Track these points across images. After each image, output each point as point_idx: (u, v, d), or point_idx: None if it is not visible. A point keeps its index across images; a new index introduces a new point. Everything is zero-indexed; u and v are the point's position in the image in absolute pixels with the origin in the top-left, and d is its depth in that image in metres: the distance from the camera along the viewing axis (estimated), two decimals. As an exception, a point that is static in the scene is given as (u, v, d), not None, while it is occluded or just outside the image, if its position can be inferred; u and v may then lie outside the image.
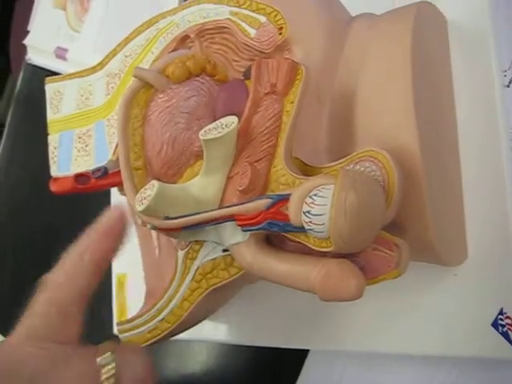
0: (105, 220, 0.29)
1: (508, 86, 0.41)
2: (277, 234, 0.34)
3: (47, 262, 0.70)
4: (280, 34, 0.39)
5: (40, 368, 0.25)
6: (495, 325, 0.39)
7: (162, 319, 0.40)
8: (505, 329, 0.38)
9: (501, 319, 0.38)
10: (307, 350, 0.48)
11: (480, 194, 0.40)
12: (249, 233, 0.35)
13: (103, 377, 0.26)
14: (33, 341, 0.26)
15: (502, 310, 0.38)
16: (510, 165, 0.40)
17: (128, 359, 0.27)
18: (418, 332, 0.42)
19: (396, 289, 0.41)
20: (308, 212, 0.32)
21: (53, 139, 0.49)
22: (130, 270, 0.57)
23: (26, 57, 0.75)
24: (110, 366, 0.27)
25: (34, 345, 0.26)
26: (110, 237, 0.29)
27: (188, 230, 0.36)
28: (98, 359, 0.27)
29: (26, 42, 0.74)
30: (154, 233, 0.48)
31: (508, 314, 0.38)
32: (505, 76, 0.41)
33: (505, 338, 0.38)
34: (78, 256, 0.28)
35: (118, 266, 0.59)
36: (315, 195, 0.32)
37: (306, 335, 0.45)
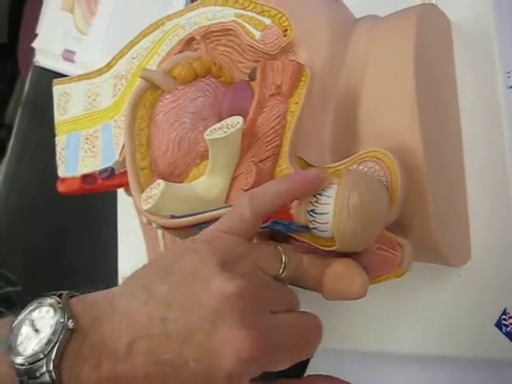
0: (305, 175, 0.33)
1: (511, 87, 0.42)
2: (281, 232, 0.34)
3: (56, 261, 0.70)
4: (285, 36, 0.39)
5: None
6: (499, 325, 0.39)
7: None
8: (508, 329, 0.38)
9: (504, 319, 0.38)
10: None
11: (484, 195, 0.40)
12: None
13: (283, 259, 0.32)
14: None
15: (505, 310, 0.38)
16: (513, 165, 0.40)
17: (292, 260, 0.33)
18: (421, 332, 0.42)
19: (399, 288, 0.41)
20: (312, 211, 0.32)
21: (60, 140, 0.50)
22: (136, 271, 0.57)
23: (34, 59, 0.75)
24: (285, 258, 0.32)
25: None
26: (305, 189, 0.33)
27: (193, 229, 0.37)
28: (280, 249, 0.33)
29: (34, 44, 0.75)
30: (159, 233, 0.49)
31: (511, 314, 0.38)
32: (508, 77, 0.42)
33: (508, 338, 0.38)
34: (283, 187, 0.32)
35: (124, 268, 0.59)
36: (319, 194, 0.32)
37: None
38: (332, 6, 0.42)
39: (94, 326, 0.29)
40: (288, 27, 0.39)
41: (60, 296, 0.30)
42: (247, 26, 0.41)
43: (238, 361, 0.27)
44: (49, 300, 0.30)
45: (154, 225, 0.39)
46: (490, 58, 0.41)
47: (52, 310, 0.29)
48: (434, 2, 0.43)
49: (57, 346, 0.28)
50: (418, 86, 0.36)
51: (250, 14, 0.41)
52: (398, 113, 0.36)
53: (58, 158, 0.49)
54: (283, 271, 0.32)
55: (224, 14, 0.43)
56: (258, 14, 0.41)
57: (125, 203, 0.57)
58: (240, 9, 0.42)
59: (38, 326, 0.29)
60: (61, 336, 0.28)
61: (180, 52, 0.44)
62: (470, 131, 0.41)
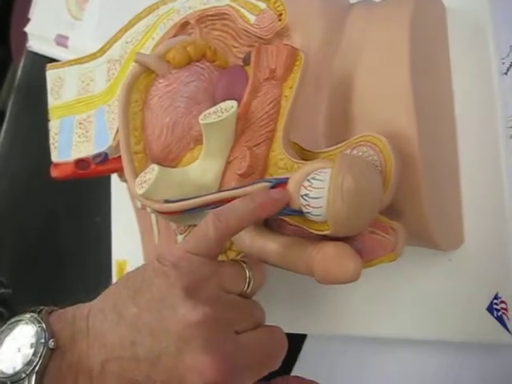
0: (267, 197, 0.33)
1: (506, 74, 0.42)
2: (275, 217, 0.34)
3: (48, 247, 0.70)
4: (279, 20, 0.39)
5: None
6: (490, 309, 0.39)
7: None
8: (499, 313, 0.39)
9: (496, 304, 0.39)
10: (305, 335, 0.48)
11: (477, 180, 0.40)
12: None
13: (247, 275, 0.34)
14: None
15: (497, 294, 0.39)
16: (507, 152, 0.40)
17: (256, 275, 0.34)
18: (413, 317, 0.42)
19: (391, 273, 0.41)
20: (306, 195, 0.32)
21: (54, 125, 0.50)
22: (129, 256, 0.57)
23: (27, 44, 0.75)
24: (249, 273, 0.34)
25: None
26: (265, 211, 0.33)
27: (187, 214, 0.37)
28: (245, 267, 0.34)
29: (26, 29, 0.74)
30: (153, 218, 0.49)
31: (503, 299, 0.39)
32: (503, 63, 0.42)
33: (499, 322, 0.39)
34: (250, 206, 0.33)
35: (118, 252, 0.59)
36: (313, 179, 0.32)
37: (304, 320, 0.46)
38: (327, -10, 0.42)
39: (70, 344, 0.30)
40: (283, 12, 0.39)
41: (39, 312, 0.31)
42: (242, 10, 0.41)
43: None
44: (28, 317, 0.31)
45: (148, 209, 0.39)
46: (484, 44, 0.41)
47: (32, 329, 0.30)
48: (429, -13, 0.43)
49: (38, 365, 0.29)
50: (413, 72, 0.36)
51: (244, -2, 0.41)
52: (393, 99, 0.36)
53: (51, 142, 0.49)
54: (248, 287, 0.34)
55: (219, -2, 0.43)
56: (252, -2, 0.41)
57: (118, 188, 0.57)
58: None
59: (18, 344, 0.30)
60: (42, 355, 0.29)
61: (174, 36, 0.44)
62: (464, 117, 0.41)
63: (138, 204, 0.45)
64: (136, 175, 0.38)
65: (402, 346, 0.44)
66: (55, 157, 0.49)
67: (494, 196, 0.40)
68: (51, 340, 0.30)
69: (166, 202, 0.37)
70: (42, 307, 0.32)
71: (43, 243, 0.71)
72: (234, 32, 0.42)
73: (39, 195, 0.71)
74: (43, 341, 0.30)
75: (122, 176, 0.47)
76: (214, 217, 0.32)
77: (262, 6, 0.41)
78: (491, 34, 0.41)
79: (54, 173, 0.48)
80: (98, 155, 0.46)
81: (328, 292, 0.44)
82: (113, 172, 0.48)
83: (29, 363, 0.29)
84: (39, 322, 0.30)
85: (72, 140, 0.48)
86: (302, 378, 0.35)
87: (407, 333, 0.42)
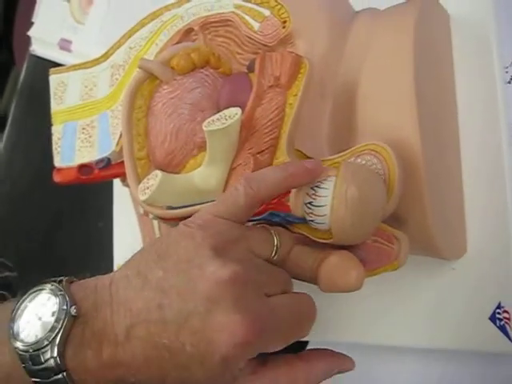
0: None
1: (509, 83, 0.42)
2: (278, 224, 0.34)
3: (50, 252, 0.70)
4: (284, 27, 0.39)
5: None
6: (493, 318, 0.39)
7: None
8: (502, 322, 0.39)
9: (498, 313, 0.39)
10: (306, 342, 0.48)
11: (480, 189, 0.40)
12: (251, 223, 0.35)
13: (275, 242, 0.33)
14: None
15: (499, 303, 0.39)
16: (510, 161, 0.40)
17: (284, 242, 0.33)
18: (416, 325, 0.42)
19: (394, 282, 0.41)
20: (309, 203, 0.32)
21: (56, 130, 0.50)
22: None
23: (30, 48, 0.75)
24: (277, 240, 0.33)
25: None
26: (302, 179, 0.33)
27: (190, 220, 0.37)
28: (272, 231, 0.33)
29: (30, 33, 0.74)
30: (155, 224, 0.49)
31: (506, 308, 0.39)
32: (506, 72, 0.42)
33: (502, 331, 0.39)
34: (282, 175, 0.32)
35: (120, 258, 0.59)
36: (317, 187, 0.32)
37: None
38: (331, -2, 0.42)
39: (93, 312, 0.29)
40: (287, 19, 0.39)
41: (60, 282, 0.30)
42: (246, 17, 0.41)
43: (233, 345, 0.28)
44: (49, 286, 0.30)
45: (150, 216, 0.39)
46: (488, 52, 0.41)
47: (53, 297, 0.29)
48: (433, -5, 0.43)
49: (60, 332, 0.28)
50: (417, 80, 0.36)
51: (249, 5, 0.41)
52: (397, 107, 0.36)
53: (54, 147, 0.49)
54: (275, 254, 0.33)
55: (223, 5, 0.43)
56: (257, 5, 0.41)
57: (121, 193, 0.57)
58: (239, 0, 0.42)
59: (39, 313, 0.29)
60: (64, 323, 0.28)
61: (178, 42, 0.44)
62: (467, 126, 0.42)
63: (141, 210, 0.45)
64: (139, 181, 0.38)
65: (404, 355, 0.44)
66: (58, 162, 0.48)
67: (498, 205, 0.40)
68: (73, 307, 0.29)
69: (169, 208, 0.37)
70: (61, 277, 0.31)
71: (45, 248, 0.71)
72: (237, 39, 0.42)
73: (41, 200, 0.71)
74: (65, 308, 0.29)
75: (124, 181, 0.47)
76: (245, 182, 0.31)
77: (266, 12, 0.41)
78: (495, 43, 0.42)
79: (57, 178, 0.48)
80: (101, 160, 0.46)
81: (330, 300, 0.44)
82: (116, 177, 0.48)
83: (51, 330, 0.28)
84: (60, 291, 0.30)
85: (75, 145, 0.48)
86: (333, 351, 0.34)
87: (410, 341, 0.42)
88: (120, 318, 0.29)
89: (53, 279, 0.31)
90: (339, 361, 0.34)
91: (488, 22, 0.42)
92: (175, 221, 0.37)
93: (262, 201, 0.32)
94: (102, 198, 0.61)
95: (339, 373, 0.33)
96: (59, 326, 0.28)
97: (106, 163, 0.46)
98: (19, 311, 0.30)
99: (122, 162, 0.41)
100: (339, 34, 0.40)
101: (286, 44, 0.40)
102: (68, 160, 0.48)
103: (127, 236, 0.56)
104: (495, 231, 0.40)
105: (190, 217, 0.36)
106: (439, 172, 0.38)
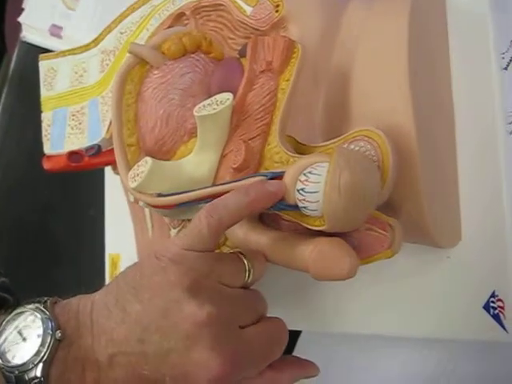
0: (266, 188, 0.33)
1: (506, 69, 0.41)
2: (270, 211, 0.34)
3: (41, 240, 0.70)
4: (276, 11, 0.39)
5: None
6: (487, 307, 0.39)
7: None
8: (496, 311, 0.38)
9: (492, 302, 0.38)
10: (299, 331, 0.48)
11: (476, 177, 0.40)
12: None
13: (246, 266, 0.34)
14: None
15: (493, 292, 0.38)
16: (506, 148, 0.40)
17: (256, 265, 0.34)
18: (410, 314, 0.42)
19: (388, 270, 0.41)
20: (302, 190, 0.32)
21: (46, 117, 0.49)
22: (123, 250, 0.57)
23: (21, 35, 0.74)
24: (248, 264, 0.34)
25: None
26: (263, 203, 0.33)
27: (181, 208, 0.36)
28: (243, 259, 0.34)
29: (20, 19, 0.73)
30: (147, 212, 0.48)
31: (500, 297, 0.38)
32: (503, 58, 0.41)
33: (496, 320, 0.38)
34: (244, 200, 0.32)
35: (111, 246, 0.59)
36: (309, 173, 0.32)
37: (298, 316, 0.45)
38: (325, -18, 0.41)
39: (76, 337, 0.31)
40: (280, 2, 0.39)
41: (44, 303, 0.31)
42: (238, 1, 0.40)
43: (210, 379, 0.30)
44: (33, 307, 0.31)
45: (141, 203, 0.39)
46: (484, 38, 0.41)
47: (38, 319, 0.31)
48: (429, -21, 0.42)
49: (46, 355, 0.30)
50: (412, 65, 0.35)
51: (241, -12, 0.40)
52: (391, 93, 0.36)
53: (43, 134, 0.48)
54: (248, 277, 0.34)
55: (215, -11, 0.42)
56: (249, -12, 0.40)
57: (112, 181, 0.56)
58: (231, -17, 0.41)
59: (24, 334, 0.31)
60: (50, 346, 0.30)
61: (169, 27, 0.43)
62: (463, 112, 0.41)
63: (131, 197, 0.45)
64: (129, 168, 0.37)
65: (397, 344, 0.44)
66: (48, 149, 0.48)
67: (493, 193, 0.39)
68: (58, 331, 0.30)
69: (159, 195, 0.36)
70: (45, 298, 0.32)
71: (36, 236, 0.71)
72: (229, 23, 0.41)
73: (33, 188, 0.71)
74: (50, 332, 0.30)
75: (115, 169, 0.46)
76: (206, 213, 0.32)
77: (259, -4, 0.40)
78: (491, 29, 0.41)
79: (47, 165, 0.48)
80: (91, 147, 0.46)
81: (323, 288, 0.43)
82: (106, 165, 0.47)
83: (37, 353, 0.30)
84: (44, 313, 0.31)
85: (65, 132, 0.48)
86: (299, 358, 0.35)
87: (403, 330, 0.42)
88: (101, 345, 0.31)
89: (37, 300, 0.32)
90: (305, 368, 0.35)
91: (484, 8, 0.41)
92: (165, 208, 0.37)
93: (226, 227, 0.33)
94: (93, 186, 0.60)
95: (305, 378, 0.35)
96: (45, 350, 0.30)
97: (97, 150, 0.46)
98: (4, 331, 0.31)
99: (113, 150, 0.40)
100: (332, 19, 0.40)
101: (279, 28, 0.39)
102: (57, 147, 0.47)
103: (119, 224, 0.56)
104: (490, 220, 0.39)
105: (180, 205, 0.36)
106: (434, 158, 0.37)
